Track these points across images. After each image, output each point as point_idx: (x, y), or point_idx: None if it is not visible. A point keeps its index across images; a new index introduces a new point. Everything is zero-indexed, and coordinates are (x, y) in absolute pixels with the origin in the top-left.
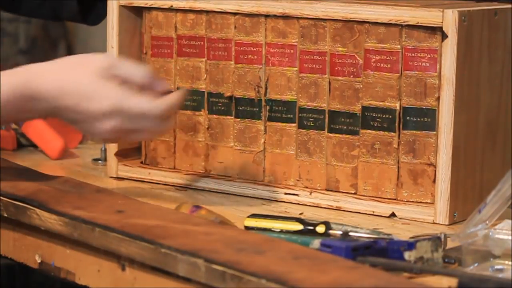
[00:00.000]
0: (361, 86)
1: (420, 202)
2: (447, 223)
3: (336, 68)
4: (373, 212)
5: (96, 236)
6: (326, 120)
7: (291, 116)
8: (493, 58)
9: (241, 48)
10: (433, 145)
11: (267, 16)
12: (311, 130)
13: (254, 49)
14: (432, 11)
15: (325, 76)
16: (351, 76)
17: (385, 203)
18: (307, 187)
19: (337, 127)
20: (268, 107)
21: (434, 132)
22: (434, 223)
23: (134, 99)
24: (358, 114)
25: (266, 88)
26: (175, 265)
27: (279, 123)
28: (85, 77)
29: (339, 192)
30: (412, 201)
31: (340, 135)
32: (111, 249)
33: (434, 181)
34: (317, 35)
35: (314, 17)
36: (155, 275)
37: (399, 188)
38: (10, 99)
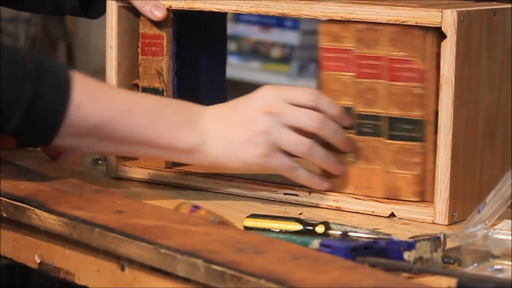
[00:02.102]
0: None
1: (420, 202)
2: (446, 223)
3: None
4: (373, 212)
5: (95, 236)
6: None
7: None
8: (492, 58)
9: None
10: None
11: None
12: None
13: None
14: (431, 11)
15: (383, 81)
16: (411, 81)
17: (384, 203)
18: (367, 196)
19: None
20: None
21: None
22: (433, 223)
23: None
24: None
25: None
26: (175, 265)
27: None
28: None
29: (340, 192)
30: (411, 201)
31: (401, 142)
32: (110, 249)
33: None
34: (375, 39)
35: (314, 17)
36: (155, 275)
37: None
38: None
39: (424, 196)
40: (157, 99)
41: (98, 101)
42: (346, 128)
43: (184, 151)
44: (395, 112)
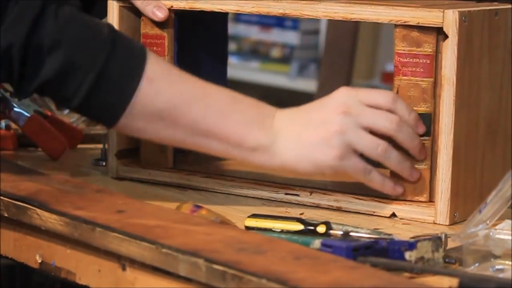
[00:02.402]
0: None
1: (421, 202)
2: (447, 223)
3: None
4: (374, 212)
5: (96, 236)
6: None
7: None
8: (493, 59)
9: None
10: None
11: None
12: None
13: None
14: (433, 11)
15: None
16: None
17: (385, 203)
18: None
19: None
20: None
21: None
22: (434, 223)
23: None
24: None
25: None
26: (176, 265)
27: None
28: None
29: (340, 192)
30: (412, 201)
31: None
32: (111, 249)
33: None
34: None
35: (315, 17)
36: (156, 275)
37: None
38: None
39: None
40: (231, 93)
41: (171, 80)
42: (420, 135)
43: (252, 149)
44: None
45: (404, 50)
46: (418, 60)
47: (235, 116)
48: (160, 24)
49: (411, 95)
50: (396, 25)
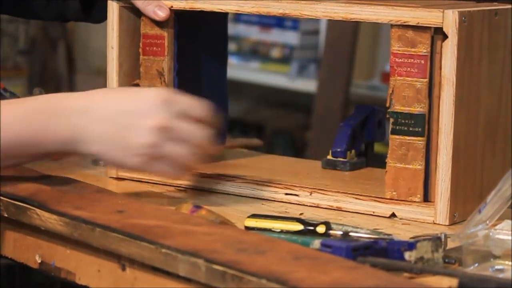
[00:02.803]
0: None
1: (421, 202)
2: (447, 223)
3: None
4: (373, 212)
5: (96, 236)
6: None
7: (419, 129)
8: (493, 59)
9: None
10: None
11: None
12: None
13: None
14: (433, 11)
15: None
16: None
17: (385, 203)
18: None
19: None
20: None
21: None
22: (434, 223)
23: (185, 120)
24: None
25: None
26: (176, 265)
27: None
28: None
29: (339, 192)
30: (412, 202)
31: None
32: (111, 249)
33: None
34: None
35: (315, 17)
36: (156, 275)
37: None
38: (26, 117)
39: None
40: (27, 103)
41: None
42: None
43: (61, 152)
44: None
45: (399, 51)
46: (412, 60)
47: (34, 127)
48: (160, 24)
49: (405, 95)
50: (392, 25)
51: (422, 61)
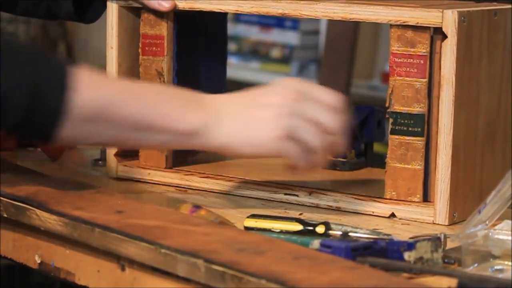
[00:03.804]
0: None
1: (421, 202)
2: (446, 223)
3: None
4: (373, 212)
5: (96, 236)
6: None
7: (419, 129)
8: (492, 59)
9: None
10: None
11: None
12: None
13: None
14: (432, 11)
15: None
16: None
17: (384, 203)
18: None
19: None
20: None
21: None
22: (433, 223)
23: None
24: None
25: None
26: (175, 266)
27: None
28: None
29: (339, 192)
30: (412, 202)
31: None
32: (111, 250)
33: None
34: None
35: (314, 17)
36: (155, 276)
37: None
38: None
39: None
40: (158, 84)
41: (101, 83)
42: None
43: (191, 133)
44: None
45: (398, 50)
46: (412, 60)
47: (168, 104)
48: (159, 24)
49: (405, 95)
50: (391, 25)
51: (422, 61)
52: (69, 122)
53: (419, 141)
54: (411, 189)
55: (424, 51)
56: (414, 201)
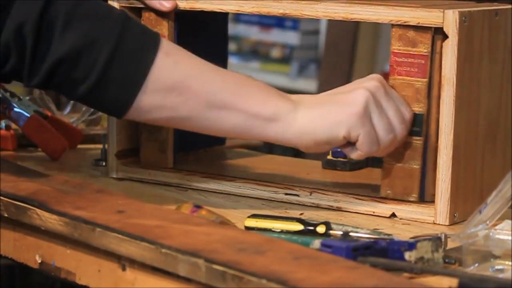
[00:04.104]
0: None
1: (421, 202)
2: (447, 223)
3: None
4: (373, 212)
5: (96, 236)
6: None
7: (418, 129)
8: (493, 59)
9: None
10: None
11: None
12: None
13: None
14: (433, 11)
15: None
16: None
17: (385, 203)
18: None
19: None
20: None
21: None
22: (434, 223)
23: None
24: None
25: None
26: (176, 265)
27: None
28: None
29: (340, 192)
30: (412, 202)
31: None
32: (111, 249)
33: None
34: None
35: (315, 17)
36: (156, 275)
37: None
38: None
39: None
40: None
41: (186, 55)
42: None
43: (270, 118)
44: None
45: (399, 50)
46: (413, 60)
47: (253, 88)
48: (160, 24)
49: (405, 94)
50: (392, 25)
51: (423, 61)
52: (149, 88)
53: (417, 141)
54: (407, 188)
55: (426, 51)
56: (410, 201)
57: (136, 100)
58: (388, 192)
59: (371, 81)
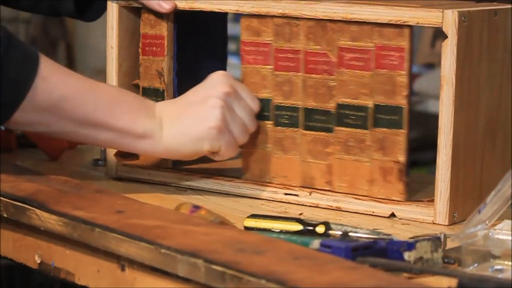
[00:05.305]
0: (335, 84)
1: (421, 202)
2: (446, 223)
3: (310, 66)
4: (373, 212)
5: (95, 236)
6: (301, 117)
7: (267, 113)
8: (493, 58)
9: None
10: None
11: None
12: (286, 128)
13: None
14: (432, 11)
15: (299, 74)
16: (325, 74)
17: (384, 203)
18: (283, 184)
19: (312, 124)
20: None
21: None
22: (433, 223)
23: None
24: (332, 112)
25: None
26: (175, 266)
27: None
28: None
29: (339, 192)
30: (411, 201)
31: (315, 133)
32: (110, 250)
33: (400, 179)
34: (291, 33)
35: (314, 17)
36: (155, 276)
37: (370, 185)
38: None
39: (333, 185)
40: (115, 87)
41: (63, 77)
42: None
43: (140, 136)
44: (310, 104)
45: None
46: (258, 48)
47: (123, 107)
48: (159, 24)
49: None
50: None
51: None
52: (25, 108)
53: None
54: (263, 170)
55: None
56: (414, 201)
57: (13, 117)
58: (248, 175)
59: (221, 87)
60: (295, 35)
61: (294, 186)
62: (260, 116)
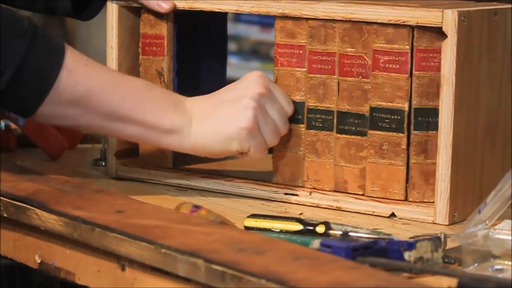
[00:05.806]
0: (370, 87)
1: (423, 202)
2: (447, 223)
3: (345, 69)
4: (373, 212)
5: (96, 236)
6: (335, 120)
7: (300, 116)
8: (492, 58)
9: None
10: None
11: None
12: (319, 131)
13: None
14: (432, 11)
15: (334, 76)
16: (360, 76)
17: (385, 203)
18: (315, 188)
19: (346, 128)
20: None
21: None
22: (434, 223)
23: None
24: (366, 115)
25: None
26: (175, 265)
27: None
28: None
29: (340, 192)
30: (411, 201)
31: (349, 136)
32: (111, 249)
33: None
34: (326, 36)
35: (314, 17)
36: (155, 275)
37: (410, 189)
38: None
39: (366, 190)
40: (145, 81)
41: (89, 70)
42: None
43: (168, 131)
44: (344, 107)
45: (281, 41)
46: (293, 50)
47: (151, 101)
48: (159, 24)
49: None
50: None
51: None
52: (51, 101)
53: (301, 128)
54: (294, 174)
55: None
56: (414, 201)
57: (38, 110)
58: (278, 178)
59: (255, 88)
60: (331, 37)
61: (327, 191)
62: (293, 119)
